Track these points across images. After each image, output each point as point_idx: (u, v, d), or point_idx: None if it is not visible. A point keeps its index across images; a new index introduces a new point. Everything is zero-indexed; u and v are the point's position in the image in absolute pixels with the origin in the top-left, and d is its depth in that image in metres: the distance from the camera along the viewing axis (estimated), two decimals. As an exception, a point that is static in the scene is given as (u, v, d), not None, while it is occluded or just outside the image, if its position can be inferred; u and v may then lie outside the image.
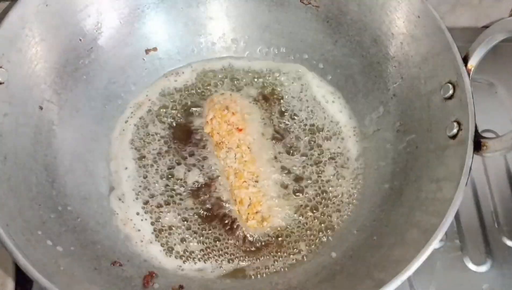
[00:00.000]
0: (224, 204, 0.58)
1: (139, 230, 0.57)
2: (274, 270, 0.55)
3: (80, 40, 0.59)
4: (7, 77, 0.51)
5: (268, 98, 0.66)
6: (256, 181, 0.60)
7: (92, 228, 0.54)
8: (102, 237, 0.54)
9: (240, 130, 0.62)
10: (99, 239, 0.54)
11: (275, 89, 0.66)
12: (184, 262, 0.55)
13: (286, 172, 0.61)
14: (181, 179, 0.60)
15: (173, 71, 0.67)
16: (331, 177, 0.60)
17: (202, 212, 0.58)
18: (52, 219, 0.51)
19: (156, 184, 0.60)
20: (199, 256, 0.55)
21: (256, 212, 0.58)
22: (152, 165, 0.61)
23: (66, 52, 0.58)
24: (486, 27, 0.62)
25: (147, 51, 0.65)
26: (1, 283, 0.52)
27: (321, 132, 0.64)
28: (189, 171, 0.60)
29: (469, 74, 0.51)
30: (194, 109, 0.65)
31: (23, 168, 0.51)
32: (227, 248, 0.56)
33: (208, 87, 0.67)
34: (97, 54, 0.61)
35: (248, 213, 0.58)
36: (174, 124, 0.64)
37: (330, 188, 0.60)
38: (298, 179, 0.60)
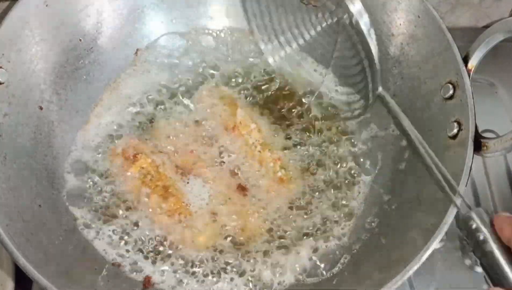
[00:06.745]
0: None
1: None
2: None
3: (80, 40, 0.59)
4: (7, 77, 0.51)
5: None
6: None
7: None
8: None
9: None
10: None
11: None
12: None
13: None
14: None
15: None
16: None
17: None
18: (52, 219, 0.51)
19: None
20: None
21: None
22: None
23: (66, 52, 0.58)
24: (486, 27, 0.63)
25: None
26: (1, 283, 0.52)
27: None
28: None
29: (469, 74, 0.51)
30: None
31: (23, 168, 0.51)
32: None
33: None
34: (97, 54, 0.61)
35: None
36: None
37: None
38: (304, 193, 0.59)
